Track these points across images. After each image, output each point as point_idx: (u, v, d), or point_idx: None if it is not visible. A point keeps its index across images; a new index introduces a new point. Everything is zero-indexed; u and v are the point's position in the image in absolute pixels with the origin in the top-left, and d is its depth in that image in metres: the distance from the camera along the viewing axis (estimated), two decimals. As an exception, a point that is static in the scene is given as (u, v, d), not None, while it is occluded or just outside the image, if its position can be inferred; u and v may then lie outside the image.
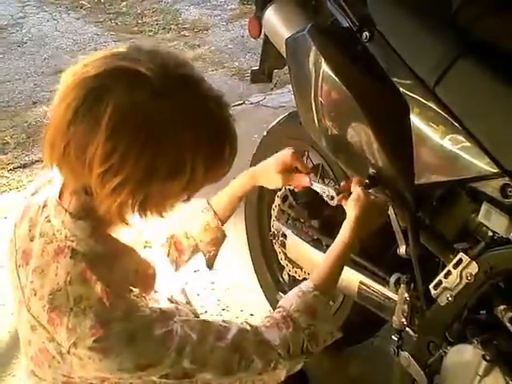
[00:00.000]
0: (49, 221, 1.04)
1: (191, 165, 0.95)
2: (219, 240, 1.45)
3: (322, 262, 1.28)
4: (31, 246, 1.05)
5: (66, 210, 1.02)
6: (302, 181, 1.43)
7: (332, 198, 1.43)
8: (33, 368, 1.08)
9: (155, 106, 0.92)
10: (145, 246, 1.21)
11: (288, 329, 1.15)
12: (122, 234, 1.10)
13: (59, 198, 1.05)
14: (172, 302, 1.19)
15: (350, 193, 1.38)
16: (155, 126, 0.92)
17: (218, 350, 1.06)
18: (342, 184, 1.44)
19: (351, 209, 1.32)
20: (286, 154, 1.41)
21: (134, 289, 1.03)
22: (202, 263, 2.52)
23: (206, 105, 0.98)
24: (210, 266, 1.48)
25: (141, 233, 1.19)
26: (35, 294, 1.01)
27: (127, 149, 0.91)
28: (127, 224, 1.06)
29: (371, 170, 1.43)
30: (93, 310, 0.96)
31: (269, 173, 1.42)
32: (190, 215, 1.43)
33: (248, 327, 1.13)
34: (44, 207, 1.07)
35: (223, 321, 1.13)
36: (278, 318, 1.17)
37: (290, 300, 1.20)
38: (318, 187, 1.46)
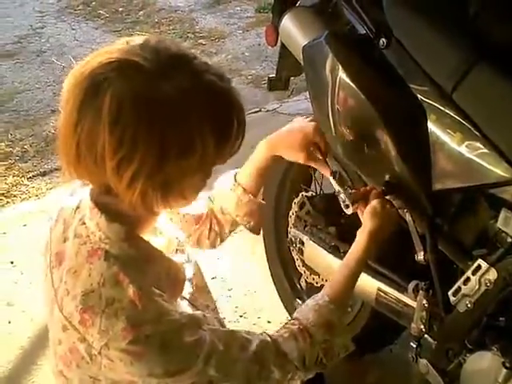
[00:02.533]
0: (83, 223, 1.05)
1: (201, 140, 0.95)
2: (255, 211, 1.43)
3: (336, 274, 1.29)
4: (64, 248, 1.07)
5: (102, 213, 1.03)
6: (324, 170, 1.45)
7: (347, 206, 1.43)
8: (61, 368, 1.09)
9: (152, 89, 0.92)
10: (177, 250, 1.22)
11: (305, 342, 1.15)
12: (153, 239, 1.12)
13: (92, 200, 1.06)
14: (197, 309, 1.20)
15: (365, 200, 1.38)
16: (156, 108, 0.93)
17: (241, 360, 1.07)
18: (357, 191, 1.44)
19: (367, 221, 1.32)
20: (308, 130, 1.40)
21: (163, 293, 1.03)
22: (219, 270, 2.56)
23: (205, 78, 0.97)
24: (255, 233, 1.49)
25: (171, 239, 1.21)
26: (68, 294, 1.02)
27: (134, 137, 0.92)
28: (157, 214, 1.08)
29: (388, 177, 1.43)
30: (125, 312, 0.97)
31: (291, 147, 1.41)
32: (220, 194, 1.43)
33: (268, 339, 1.14)
34: (77, 209, 1.09)
35: (246, 332, 1.14)
36: (295, 330, 1.17)
37: (306, 313, 1.20)
38: (334, 184, 1.46)
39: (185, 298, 1.18)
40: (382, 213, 1.34)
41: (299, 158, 1.42)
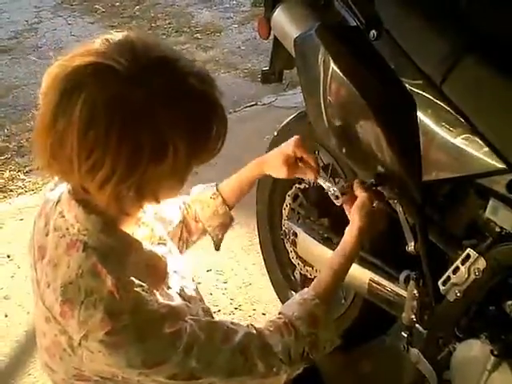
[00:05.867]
0: (63, 216, 1.06)
1: (173, 146, 0.95)
2: (226, 224, 1.49)
3: (324, 269, 1.28)
4: (46, 241, 1.07)
5: (79, 205, 1.04)
6: (308, 174, 1.44)
7: (337, 197, 1.43)
8: (46, 360, 1.11)
9: (126, 95, 0.92)
10: (159, 243, 1.23)
11: (290, 336, 1.15)
12: (134, 230, 1.13)
13: (70, 193, 1.07)
14: (184, 300, 1.20)
15: (353, 196, 1.39)
16: (128, 115, 0.92)
17: (224, 351, 1.07)
18: (347, 184, 1.45)
19: (355, 217, 1.31)
20: (286, 147, 1.41)
21: (143, 284, 1.04)
22: (214, 262, 2.57)
23: (184, 82, 0.96)
24: (217, 247, 1.52)
25: (153, 229, 1.22)
26: (49, 287, 1.03)
27: (105, 143, 0.92)
28: (130, 215, 1.08)
29: (379, 168, 1.43)
30: (103, 302, 0.97)
31: (274, 163, 1.42)
32: (199, 200, 1.46)
33: (253, 331, 1.13)
34: (58, 202, 1.10)
35: (231, 322, 1.14)
36: (281, 324, 1.16)
37: (291, 307, 1.20)
38: (322, 182, 1.46)
39: (170, 287, 1.17)
40: (370, 209, 1.33)
41: (282, 174, 1.42)
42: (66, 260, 1.02)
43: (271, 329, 1.16)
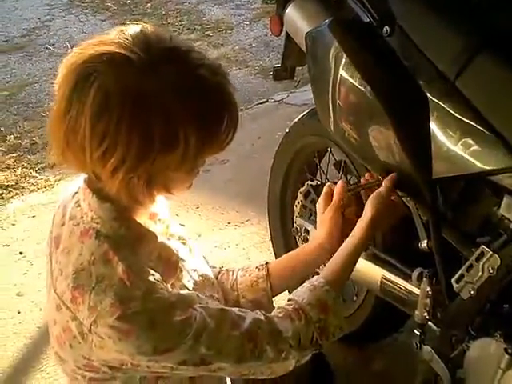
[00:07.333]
0: (79, 205, 1.09)
1: (184, 136, 0.96)
2: (262, 305, 1.33)
3: (334, 258, 1.28)
4: (61, 231, 1.09)
5: (94, 194, 1.06)
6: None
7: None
8: (57, 349, 1.12)
9: (139, 84, 0.94)
10: (180, 241, 1.24)
11: (300, 321, 1.16)
12: (150, 225, 1.14)
13: (86, 182, 1.09)
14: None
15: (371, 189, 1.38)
16: (141, 103, 0.94)
17: (232, 338, 1.08)
18: (362, 180, 1.45)
19: (369, 207, 1.31)
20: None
21: (154, 273, 1.05)
22: (226, 259, 2.57)
23: (196, 73, 0.98)
24: None
25: (169, 226, 1.22)
26: (61, 274, 1.05)
27: (117, 130, 0.94)
28: (142, 204, 1.09)
29: (389, 165, 1.43)
30: (113, 288, 0.99)
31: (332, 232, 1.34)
32: (245, 268, 1.40)
33: (262, 317, 1.14)
34: (76, 194, 1.12)
35: (239, 309, 1.15)
36: (290, 310, 1.17)
37: (301, 293, 1.20)
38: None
39: (186, 287, 1.17)
40: (386, 200, 1.34)
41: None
42: (78, 247, 1.04)
43: (281, 315, 1.16)
